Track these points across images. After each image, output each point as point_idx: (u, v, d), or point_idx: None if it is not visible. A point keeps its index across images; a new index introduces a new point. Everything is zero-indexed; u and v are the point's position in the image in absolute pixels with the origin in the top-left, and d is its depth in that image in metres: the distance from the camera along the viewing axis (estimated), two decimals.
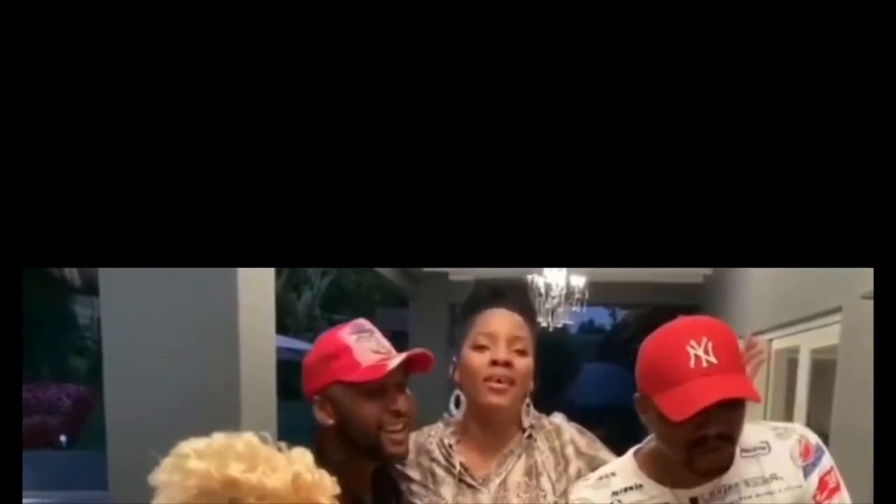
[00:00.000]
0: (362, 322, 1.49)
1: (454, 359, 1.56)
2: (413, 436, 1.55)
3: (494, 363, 1.49)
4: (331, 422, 1.40)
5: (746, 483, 1.32)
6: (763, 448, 1.35)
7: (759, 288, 3.69)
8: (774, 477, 1.32)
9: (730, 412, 1.22)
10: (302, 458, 0.91)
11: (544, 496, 1.49)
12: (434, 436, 1.57)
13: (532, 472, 1.52)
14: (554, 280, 6.00)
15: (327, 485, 0.92)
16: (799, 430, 1.37)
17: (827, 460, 1.33)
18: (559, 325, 6.58)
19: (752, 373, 1.39)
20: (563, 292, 6.07)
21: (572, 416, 1.66)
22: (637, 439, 1.47)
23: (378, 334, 1.46)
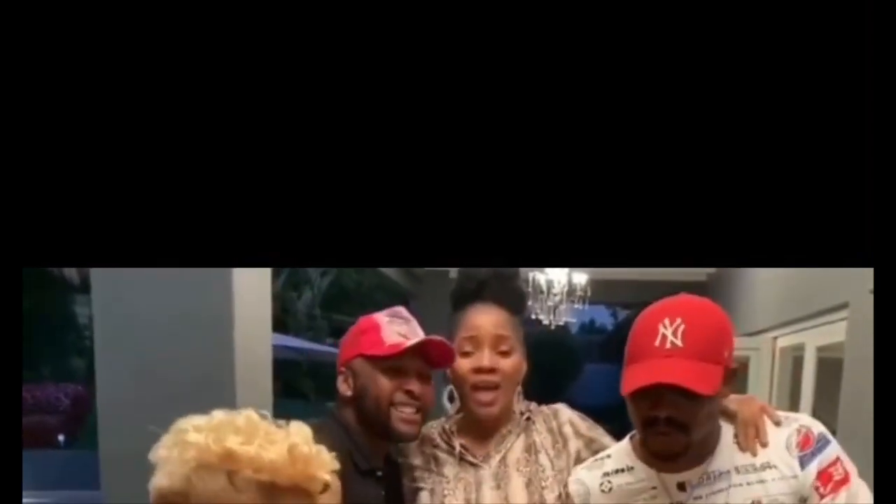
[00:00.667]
0: (401, 309, 1.56)
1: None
2: None
3: (479, 370, 1.53)
4: (349, 393, 1.48)
5: (737, 470, 1.30)
6: None
7: (764, 285, 3.67)
8: (767, 465, 1.29)
9: (683, 399, 1.20)
10: (300, 431, 0.91)
11: (543, 471, 1.54)
12: (435, 427, 1.62)
13: (531, 450, 1.56)
14: (555, 277, 5.99)
15: (325, 459, 0.92)
16: (802, 419, 1.33)
17: (832, 451, 1.28)
18: (560, 323, 6.56)
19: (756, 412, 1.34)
20: (565, 290, 6.06)
21: None
22: None
23: (415, 323, 1.54)
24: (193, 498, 0.87)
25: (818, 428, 1.30)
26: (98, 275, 1.79)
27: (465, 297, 1.60)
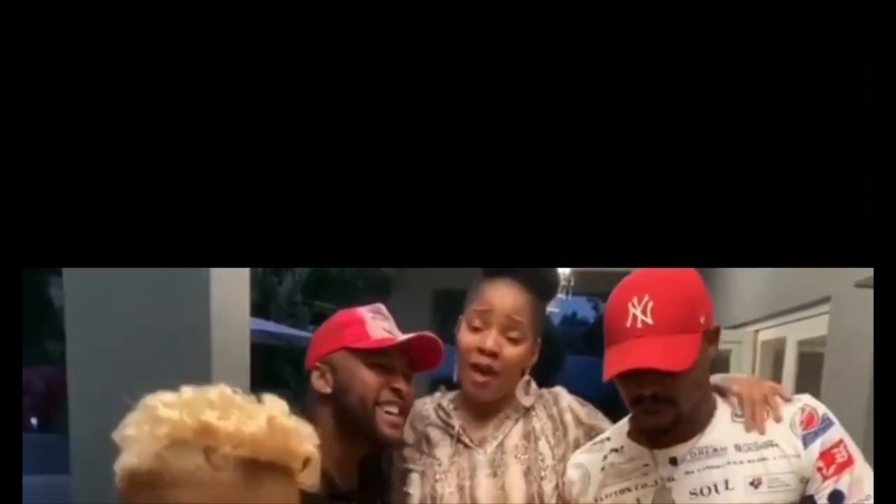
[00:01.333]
0: (381, 306, 1.48)
1: (461, 317, 1.51)
2: None
3: (481, 351, 1.44)
4: (328, 390, 1.38)
5: (737, 447, 1.28)
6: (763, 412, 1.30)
7: (746, 279, 3.68)
8: (770, 443, 1.27)
9: (664, 375, 1.20)
10: (277, 404, 0.85)
11: (542, 460, 1.46)
12: (431, 402, 1.54)
13: (530, 437, 1.48)
14: None
15: (306, 432, 0.86)
16: (805, 398, 1.31)
17: (836, 433, 1.26)
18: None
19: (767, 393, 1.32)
20: None
21: None
22: None
23: (393, 322, 1.46)
24: (166, 477, 0.80)
25: (822, 408, 1.28)
26: (69, 271, 1.76)
27: (490, 273, 1.50)
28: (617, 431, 1.41)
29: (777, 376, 3.51)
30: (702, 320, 1.23)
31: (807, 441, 1.25)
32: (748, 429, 1.29)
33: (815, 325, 2.92)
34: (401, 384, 1.39)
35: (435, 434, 1.49)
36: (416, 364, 1.43)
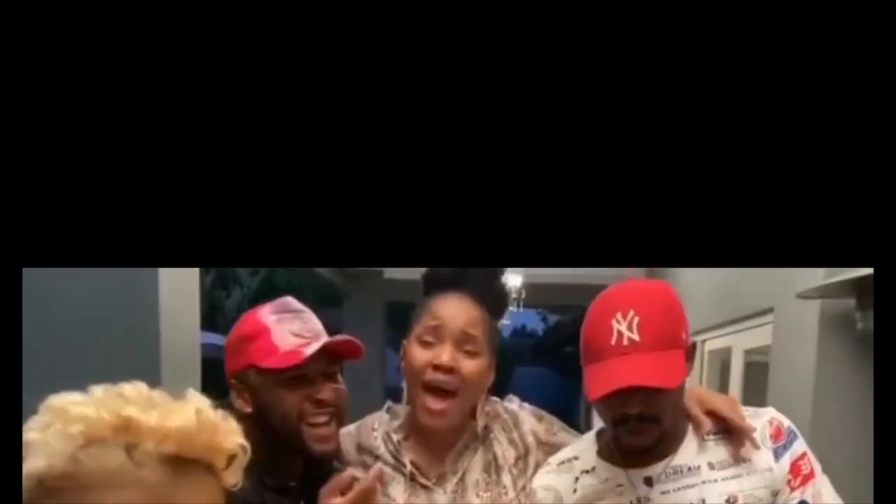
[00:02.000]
0: (288, 301, 1.36)
1: (404, 341, 1.40)
2: (352, 429, 1.44)
3: (436, 367, 1.32)
4: (248, 410, 1.28)
5: (711, 466, 1.28)
6: (729, 430, 1.30)
7: (692, 289, 3.74)
8: (742, 459, 1.28)
9: (651, 393, 1.18)
10: (200, 398, 0.80)
11: (505, 493, 1.36)
12: (378, 430, 1.42)
13: (491, 468, 1.38)
14: None
15: (233, 427, 0.80)
16: (770, 412, 1.32)
17: (800, 445, 1.28)
18: None
19: (731, 408, 1.32)
20: None
21: None
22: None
23: (307, 315, 1.34)
24: (82, 479, 0.73)
25: (787, 421, 1.30)
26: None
27: (439, 283, 1.39)
28: (585, 450, 1.37)
29: (724, 384, 3.57)
30: (683, 336, 1.22)
31: (777, 454, 1.27)
32: (734, 446, 1.28)
33: (759, 335, 2.98)
34: (324, 393, 1.29)
35: (386, 470, 1.36)
36: (336, 358, 1.32)
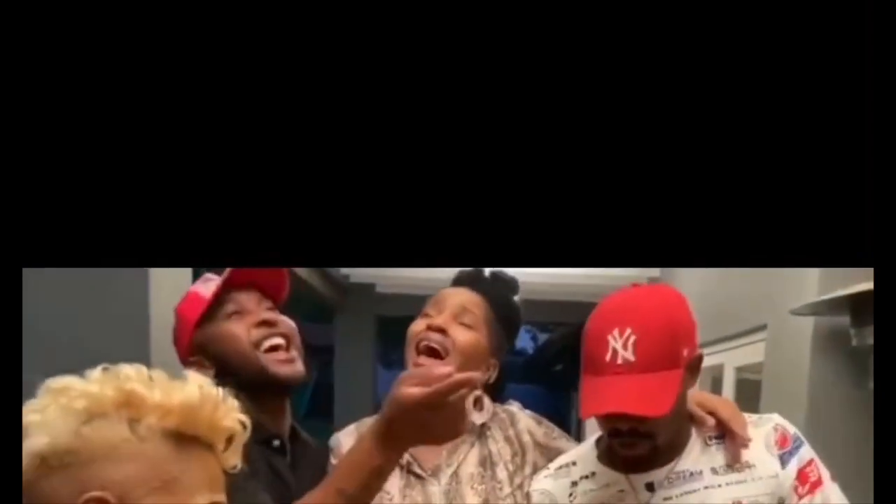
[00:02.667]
0: (208, 274, 1.42)
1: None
2: (352, 427, 1.48)
3: (430, 328, 1.39)
4: (211, 372, 1.30)
5: (714, 471, 1.27)
6: None
7: None
8: (746, 465, 1.27)
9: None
10: (199, 377, 0.82)
11: (500, 488, 1.39)
12: None
13: (486, 463, 1.40)
14: None
15: (232, 406, 0.83)
16: (776, 418, 1.32)
17: (807, 452, 1.28)
18: None
19: (730, 414, 1.32)
20: None
21: None
22: None
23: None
24: (85, 454, 0.75)
25: (792, 428, 1.30)
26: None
27: (454, 281, 1.50)
28: (584, 456, 1.37)
29: None
30: (684, 353, 1.20)
31: (784, 461, 1.26)
32: (730, 449, 1.28)
33: (751, 352, 2.97)
34: (265, 315, 1.32)
35: None
36: (267, 293, 1.37)
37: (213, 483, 0.81)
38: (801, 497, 1.25)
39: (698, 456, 1.29)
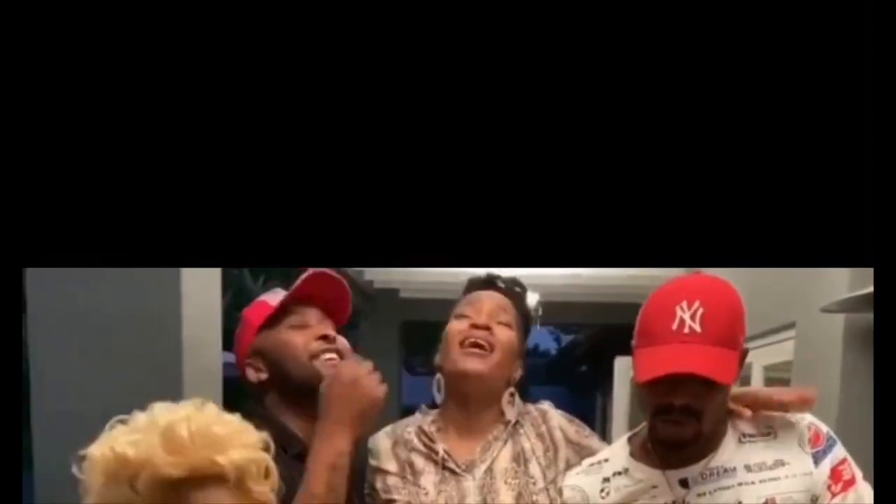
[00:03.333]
0: (277, 289, 1.50)
1: (440, 345, 1.50)
2: (388, 428, 1.51)
3: (474, 326, 1.43)
4: (265, 375, 1.39)
5: (748, 468, 1.27)
6: (768, 434, 1.30)
7: None
8: (780, 463, 1.26)
9: (701, 387, 1.17)
10: (202, 413, 0.84)
11: (534, 483, 1.40)
12: (412, 426, 1.49)
13: (520, 459, 1.43)
14: None
15: (219, 435, 0.83)
16: (808, 417, 1.31)
17: (840, 451, 1.27)
18: None
19: (768, 400, 1.33)
20: None
21: None
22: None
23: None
24: None
25: (825, 427, 1.29)
26: (34, 280, 1.69)
27: (473, 286, 1.54)
28: (617, 452, 1.37)
29: None
30: (741, 339, 1.21)
31: (817, 459, 1.26)
32: (763, 444, 1.28)
33: (780, 351, 2.94)
34: (327, 328, 1.41)
35: (419, 461, 1.44)
36: (331, 311, 1.45)
37: None
38: (834, 495, 1.24)
39: (733, 453, 1.28)
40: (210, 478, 0.81)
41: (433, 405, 1.55)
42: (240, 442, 0.83)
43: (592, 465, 1.38)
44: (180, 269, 1.67)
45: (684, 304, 1.17)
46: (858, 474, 1.27)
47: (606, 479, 1.34)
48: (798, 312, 2.67)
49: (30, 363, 1.68)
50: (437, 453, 1.43)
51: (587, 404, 10.76)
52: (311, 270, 1.42)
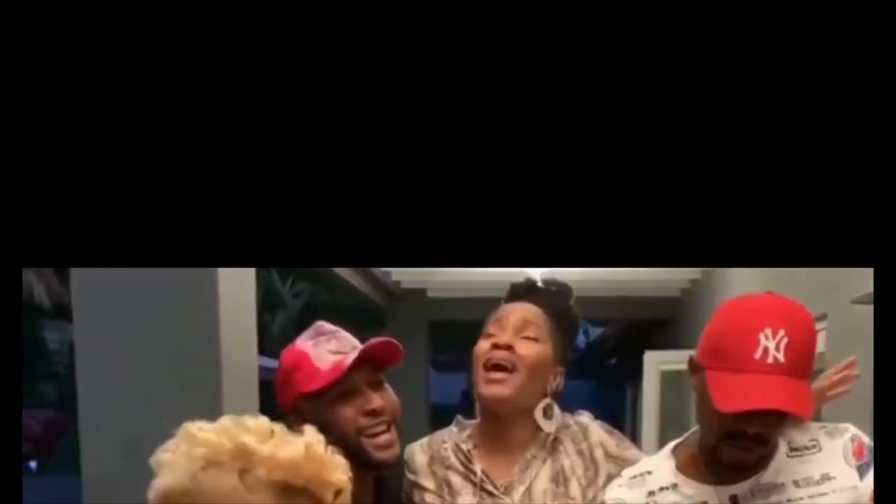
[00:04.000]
0: (321, 325, 1.41)
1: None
2: (424, 442, 1.49)
3: (495, 347, 1.39)
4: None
5: (796, 484, 1.25)
6: (813, 447, 1.28)
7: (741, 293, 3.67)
8: (827, 477, 1.25)
9: (776, 417, 1.16)
10: (314, 433, 0.89)
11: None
12: (448, 441, 1.46)
13: (559, 479, 1.40)
14: None
15: (340, 462, 0.89)
16: (851, 428, 1.30)
17: None
18: None
19: (822, 396, 1.33)
20: None
21: None
22: None
23: (342, 333, 1.38)
24: (198, 497, 0.83)
25: (867, 438, 1.28)
26: (81, 296, 1.72)
27: (507, 298, 1.50)
28: (660, 466, 1.35)
29: None
30: (813, 367, 1.20)
31: (862, 472, 1.25)
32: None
33: None
34: (374, 402, 1.32)
35: (456, 480, 1.41)
36: (380, 366, 1.35)
37: None
38: None
39: (781, 468, 1.27)
40: (312, 495, 0.86)
41: (465, 408, 1.53)
42: (342, 465, 0.89)
43: (635, 477, 1.35)
44: (217, 269, 1.68)
45: (768, 331, 1.15)
46: None
47: (651, 493, 1.32)
48: (829, 304, 2.64)
49: (77, 374, 1.71)
50: (475, 474, 1.40)
51: (617, 398, 10.70)
52: (374, 340, 1.34)
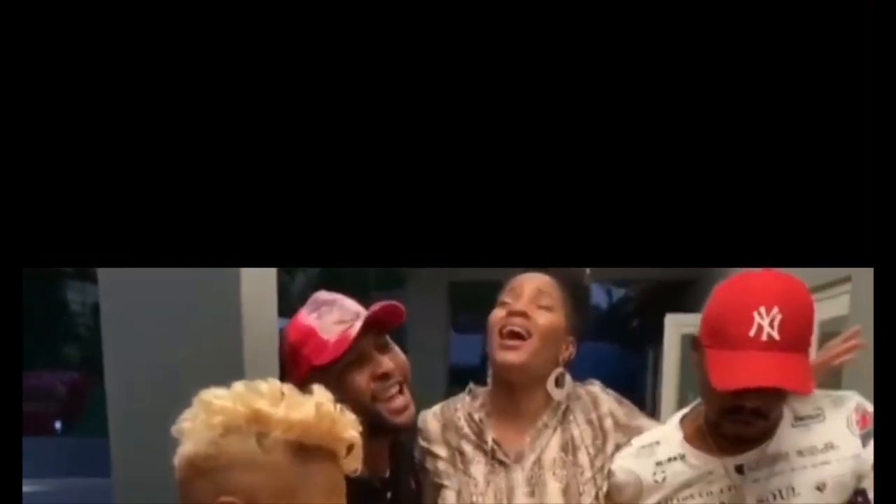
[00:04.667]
0: (320, 295, 1.42)
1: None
2: (437, 409, 1.51)
3: (511, 314, 1.42)
4: None
5: (800, 453, 1.27)
6: (817, 416, 1.30)
7: None
8: (830, 446, 1.27)
9: (773, 392, 1.18)
10: (323, 392, 0.92)
11: (581, 473, 1.40)
12: (461, 409, 1.49)
13: (568, 448, 1.42)
14: None
15: (350, 419, 0.93)
16: (855, 397, 1.30)
17: None
18: None
19: (824, 364, 1.34)
20: None
21: None
22: None
23: (341, 300, 1.39)
24: (223, 460, 0.87)
25: (871, 406, 1.28)
26: (105, 279, 1.74)
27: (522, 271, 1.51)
28: (668, 437, 1.37)
29: None
30: (811, 339, 1.22)
31: (865, 440, 1.26)
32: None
33: (835, 306, 2.89)
34: (384, 365, 1.33)
35: (468, 449, 1.44)
36: (384, 327, 1.36)
37: (332, 489, 0.92)
38: None
39: (786, 437, 1.29)
40: (327, 451, 0.90)
41: (479, 379, 1.55)
42: (352, 422, 0.93)
43: (644, 447, 1.38)
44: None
45: (762, 309, 1.17)
46: None
47: (659, 464, 1.35)
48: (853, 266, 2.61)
49: (102, 338, 1.73)
50: (486, 443, 1.43)
51: (638, 360, 10.72)
52: (377, 305, 1.34)
